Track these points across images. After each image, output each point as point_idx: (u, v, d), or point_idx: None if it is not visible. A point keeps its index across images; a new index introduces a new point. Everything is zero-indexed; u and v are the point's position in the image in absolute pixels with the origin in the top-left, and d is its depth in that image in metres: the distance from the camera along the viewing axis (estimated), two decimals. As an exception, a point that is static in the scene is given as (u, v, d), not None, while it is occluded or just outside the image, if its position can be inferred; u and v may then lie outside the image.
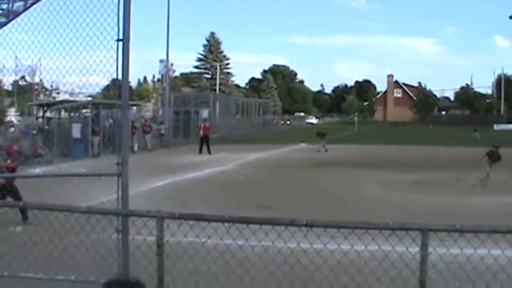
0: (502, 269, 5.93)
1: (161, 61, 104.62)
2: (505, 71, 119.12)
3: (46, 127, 38.05)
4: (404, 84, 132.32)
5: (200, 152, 36.02)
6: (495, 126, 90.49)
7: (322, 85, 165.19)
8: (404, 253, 5.36)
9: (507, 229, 4.95)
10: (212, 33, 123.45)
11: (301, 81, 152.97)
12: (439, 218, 12.31)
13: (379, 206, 16.11)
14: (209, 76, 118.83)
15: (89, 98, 32.64)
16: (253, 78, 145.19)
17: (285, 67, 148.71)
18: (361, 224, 4.91)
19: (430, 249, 4.66)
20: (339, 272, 6.17)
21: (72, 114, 36.41)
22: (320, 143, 39.50)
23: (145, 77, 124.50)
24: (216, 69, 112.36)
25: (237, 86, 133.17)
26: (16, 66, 9.47)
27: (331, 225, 5.03)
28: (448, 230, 4.84)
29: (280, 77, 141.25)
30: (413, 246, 4.86)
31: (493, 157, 21.87)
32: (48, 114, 41.27)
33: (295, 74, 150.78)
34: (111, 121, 36.03)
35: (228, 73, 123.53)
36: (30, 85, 64.79)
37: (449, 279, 5.98)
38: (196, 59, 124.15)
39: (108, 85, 8.84)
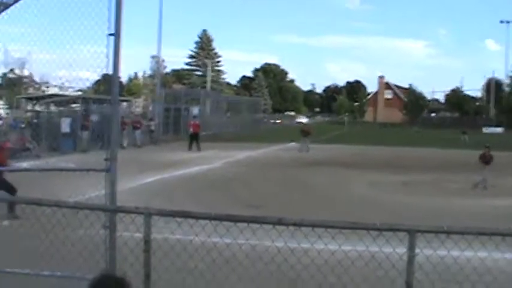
0: (489, 271, 5.96)
1: (153, 57, 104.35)
2: (495, 75, 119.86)
3: (35, 121, 37.86)
4: (395, 85, 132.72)
5: (190, 149, 36.00)
6: (484, 129, 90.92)
7: (313, 85, 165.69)
8: (392, 254, 5.35)
9: (493, 231, 4.97)
10: (204, 30, 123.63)
11: (292, 81, 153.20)
12: (427, 220, 12.34)
13: (368, 206, 16.13)
14: (200, 73, 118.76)
15: (79, 93, 32.52)
16: (244, 77, 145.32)
17: (276, 66, 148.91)
18: (349, 224, 4.91)
19: (417, 251, 4.67)
20: (326, 272, 6.16)
21: (61, 108, 36.27)
22: (302, 140, 39.24)
23: (136, 73, 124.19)
24: (207, 66, 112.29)
25: (228, 83, 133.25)
26: (5, 58, 9.40)
27: (318, 225, 5.03)
28: (436, 232, 4.85)
29: (271, 76, 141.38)
30: (401, 247, 4.86)
31: (486, 159, 21.89)
32: (37, 107, 41.12)
33: (286, 73, 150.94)
34: (96, 117, 35.82)
35: (219, 71, 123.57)
36: (20, 78, 64.46)
37: (436, 281, 5.99)
38: (187, 55, 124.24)
39: (98, 80, 8.79)
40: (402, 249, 4.79)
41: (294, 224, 4.98)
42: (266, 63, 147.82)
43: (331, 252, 5.96)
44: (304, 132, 40.24)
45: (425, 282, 5.70)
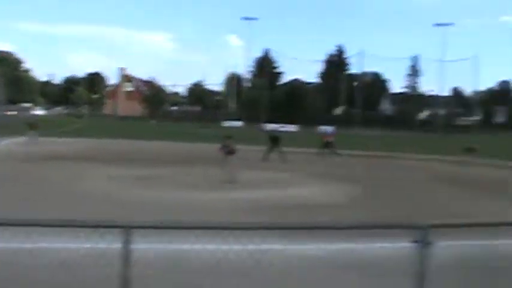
0: (218, 263, 6.18)
1: None
2: (236, 70, 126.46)
3: None
4: (136, 78, 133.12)
5: None
6: (224, 123, 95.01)
7: (51, 75, 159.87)
8: (108, 250, 5.38)
9: (215, 225, 5.14)
10: None
11: (27, 70, 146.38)
12: (157, 214, 12.61)
13: (103, 201, 15.94)
14: None
15: None
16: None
17: (10, 54, 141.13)
18: (63, 222, 4.84)
19: (134, 245, 4.74)
20: (52, 270, 6.02)
21: None
22: (30, 134, 37.92)
23: None
24: None
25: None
26: None
27: (32, 224, 4.90)
28: (152, 227, 4.95)
29: (5, 65, 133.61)
30: (117, 242, 4.90)
31: (228, 149, 22.26)
32: None
33: (20, 62, 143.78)
34: None
35: None
36: None
37: (154, 273, 6.14)
38: None
39: None
40: (118, 245, 4.82)
41: (8, 224, 4.81)
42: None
43: (58, 251, 5.85)
44: (31, 126, 38.93)
45: (143, 275, 5.84)
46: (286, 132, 51.04)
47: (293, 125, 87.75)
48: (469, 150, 34.47)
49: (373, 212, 15.76)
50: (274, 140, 32.36)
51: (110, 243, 5.10)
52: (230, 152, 22.37)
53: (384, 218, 13.43)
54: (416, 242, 4.98)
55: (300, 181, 22.61)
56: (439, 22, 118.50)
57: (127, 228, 4.68)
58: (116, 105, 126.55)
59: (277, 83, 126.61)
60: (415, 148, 39.64)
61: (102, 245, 5.29)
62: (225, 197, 17.91)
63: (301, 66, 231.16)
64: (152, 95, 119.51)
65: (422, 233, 4.96)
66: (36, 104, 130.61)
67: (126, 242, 4.69)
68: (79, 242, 5.69)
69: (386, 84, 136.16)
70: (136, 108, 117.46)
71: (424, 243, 4.98)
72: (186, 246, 5.77)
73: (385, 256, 8.04)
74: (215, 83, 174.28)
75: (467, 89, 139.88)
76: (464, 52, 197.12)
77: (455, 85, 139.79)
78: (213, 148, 23.73)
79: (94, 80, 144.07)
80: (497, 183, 24.91)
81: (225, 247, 5.99)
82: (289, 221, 6.08)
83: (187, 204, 16.02)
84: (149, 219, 5.29)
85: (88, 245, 5.64)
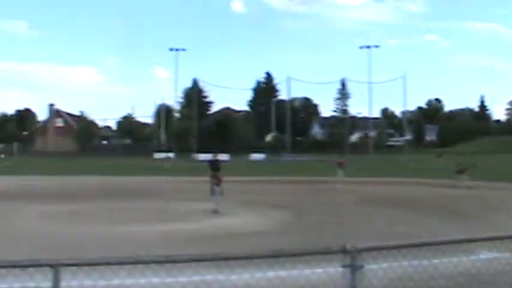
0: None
1: None
2: (165, 101, 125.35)
3: None
4: (66, 113, 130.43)
5: None
6: (156, 155, 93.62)
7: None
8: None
9: (144, 259, 5.04)
10: None
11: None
12: (90, 250, 12.37)
13: (30, 239, 15.43)
14: None
15: None
16: None
17: None
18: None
19: (64, 283, 4.63)
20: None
21: None
22: None
23: None
24: None
25: None
26: None
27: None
28: (80, 264, 4.84)
29: None
30: (47, 281, 4.77)
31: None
32: None
33: None
34: None
35: None
36: None
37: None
38: None
39: None
40: (48, 283, 4.70)
41: None
42: None
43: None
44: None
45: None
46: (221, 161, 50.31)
47: (225, 154, 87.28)
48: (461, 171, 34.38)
49: (308, 237, 15.95)
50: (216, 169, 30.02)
51: (39, 283, 4.97)
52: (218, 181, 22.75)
53: (316, 242, 13.48)
54: (347, 266, 5.01)
55: (233, 210, 22.26)
56: (364, 44, 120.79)
57: (56, 267, 4.58)
58: (46, 141, 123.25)
59: (207, 113, 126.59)
60: (348, 171, 40.05)
61: (31, 285, 5.14)
62: (155, 229, 17.82)
63: (231, 95, 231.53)
64: (82, 130, 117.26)
65: (352, 257, 5.00)
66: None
67: (56, 281, 4.58)
68: (7, 283, 5.51)
69: (317, 108, 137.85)
70: (68, 143, 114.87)
71: (354, 267, 5.01)
72: (116, 282, 5.63)
73: (316, 282, 7.91)
74: (145, 115, 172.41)
75: (397, 109, 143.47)
76: (392, 73, 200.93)
77: (384, 106, 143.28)
78: (147, 180, 23.44)
79: (24, 116, 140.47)
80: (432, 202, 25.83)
81: (156, 280, 5.85)
82: (218, 251, 5.91)
83: (117, 238, 15.75)
84: (81, 255, 5.22)
85: (17, 285, 5.48)
